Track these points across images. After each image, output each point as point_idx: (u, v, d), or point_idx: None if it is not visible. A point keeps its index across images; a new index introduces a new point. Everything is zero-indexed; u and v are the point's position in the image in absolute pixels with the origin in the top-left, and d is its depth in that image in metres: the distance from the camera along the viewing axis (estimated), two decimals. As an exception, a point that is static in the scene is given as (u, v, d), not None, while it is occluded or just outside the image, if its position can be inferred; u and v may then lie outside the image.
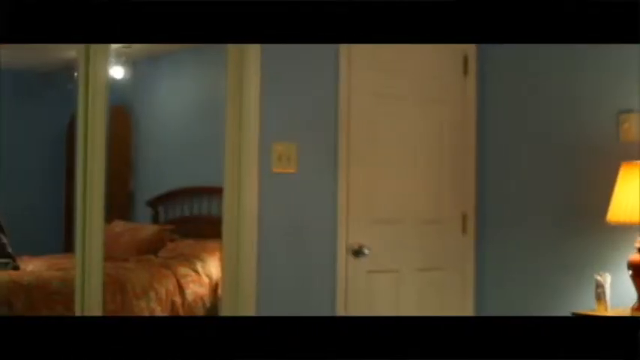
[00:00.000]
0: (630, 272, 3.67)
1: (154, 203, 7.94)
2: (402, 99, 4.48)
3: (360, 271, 4.31)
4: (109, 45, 4.09)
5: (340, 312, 4.23)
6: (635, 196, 3.61)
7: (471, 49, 4.68)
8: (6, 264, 6.43)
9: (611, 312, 3.75)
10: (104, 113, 3.87)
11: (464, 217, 4.66)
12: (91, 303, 3.78)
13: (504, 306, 4.53)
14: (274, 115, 4.12)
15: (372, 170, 4.38)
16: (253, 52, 4.04)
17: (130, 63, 7.83)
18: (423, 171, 4.55)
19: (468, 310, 4.62)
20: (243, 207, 4.06)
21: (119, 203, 7.91)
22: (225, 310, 4.08)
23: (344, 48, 4.26)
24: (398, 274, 4.46)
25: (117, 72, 7.76)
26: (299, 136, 4.18)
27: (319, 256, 4.23)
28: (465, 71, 4.68)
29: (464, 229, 4.65)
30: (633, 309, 3.65)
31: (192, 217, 7.54)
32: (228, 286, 4.08)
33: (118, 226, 7.28)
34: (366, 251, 4.29)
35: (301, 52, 4.12)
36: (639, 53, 3.95)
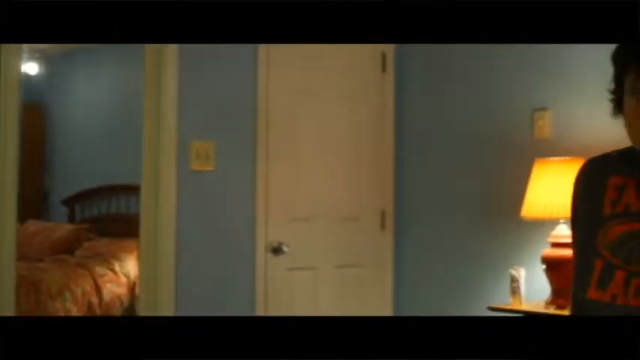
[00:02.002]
0: (544, 267, 3.74)
1: (70, 202, 7.80)
2: (320, 96, 4.49)
3: (280, 268, 4.31)
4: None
5: (260, 309, 4.22)
6: (548, 192, 3.68)
7: (389, 47, 4.70)
8: None
9: (525, 306, 3.82)
10: (16, 110, 3.78)
11: (382, 214, 4.69)
12: (3, 303, 3.69)
13: (422, 301, 4.58)
14: (192, 113, 4.09)
15: (291, 168, 4.37)
16: (171, 50, 4.00)
17: (45, 59, 7.67)
18: (341, 168, 4.56)
19: (386, 305, 4.66)
20: (161, 205, 4.02)
21: (33, 202, 7.74)
22: (143, 310, 4.04)
23: (263, 46, 4.25)
24: (317, 272, 4.47)
25: (31, 68, 7.60)
26: (217, 134, 4.16)
27: (238, 254, 4.21)
28: (383, 69, 4.71)
29: (382, 226, 4.68)
30: (547, 302, 3.72)
31: (109, 216, 7.43)
32: (146, 286, 4.03)
33: (32, 225, 7.13)
34: (286, 249, 4.29)
35: (220, 50, 4.09)
36: (554, 52, 4.03)
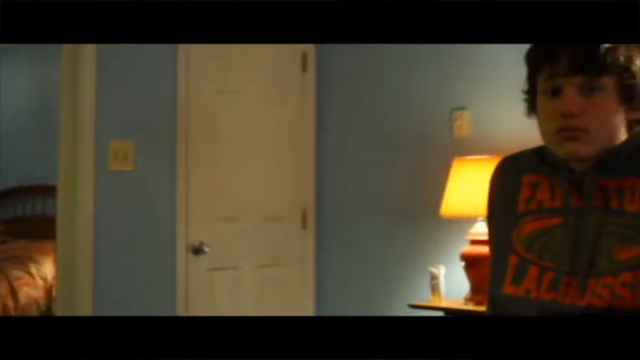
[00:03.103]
0: (463, 264, 3.79)
1: (-16, 203, 7.60)
2: (241, 96, 4.47)
3: (201, 268, 4.28)
4: None
5: (181, 310, 4.18)
6: (466, 191, 3.73)
7: (309, 46, 4.71)
8: None
9: (445, 303, 3.87)
10: None
11: (304, 213, 4.69)
12: None
13: (344, 300, 4.60)
14: (111, 113, 4.04)
15: (212, 167, 4.35)
16: (88, 50, 3.95)
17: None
18: (262, 168, 4.55)
19: (308, 304, 4.66)
20: (79, 206, 3.96)
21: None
22: (60, 313, 3.96)
23: (183, 45, 4.21)
24: (238, 271, 4.45)
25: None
26: (137, 134, 4.11)
27: (158, 255, 4.17)
28: (304, 68, 4.71)
29: (304, 225, 4.69)
30: (466, 299, 3.77)
31: (25, 217, 7.28)
32: (63, 288, 3.97)
33: (-55, 228, 6.94)
34: (207, 249, 4.26)
35: (140, 50, 4.04)
36: (472, 53, 4.09)
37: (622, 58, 1.63)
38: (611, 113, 1.65)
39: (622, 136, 1.68)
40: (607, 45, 1.63)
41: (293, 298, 4.62)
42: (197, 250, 4.25)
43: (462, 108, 4.18)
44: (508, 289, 1.72)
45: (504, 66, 3.91)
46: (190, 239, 4.25)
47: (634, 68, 1.64)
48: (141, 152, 4.12)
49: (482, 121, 4.09)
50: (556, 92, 1.66)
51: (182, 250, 4.22)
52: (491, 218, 1.86)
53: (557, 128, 1.65)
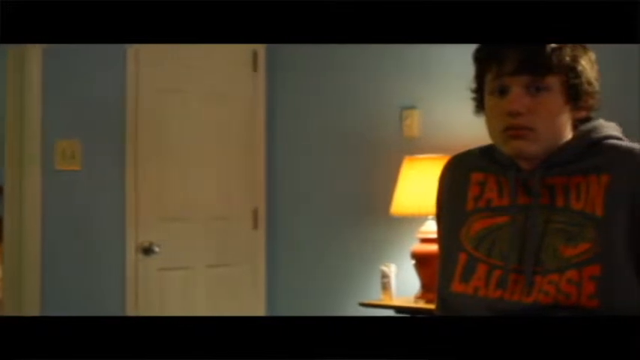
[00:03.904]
0: (413, 262, 3.81)
1: None
2: (191, 95, 4.44)
3: (151, 269, 4.25)
4: None
5: (130, 311, 4.15)
6: (417, 189, 3.75)
7: (260, 45, 4.69)
8: None
9: (396, 301, 3.89)
10: None
11: (254, 213, 4.68)
12: None
13: (295, 299, 4.60)
14: (58, 112, 3.99)
15: (162, 167, 4.31)
16: (34, 49, 3.91)
17: None
18: (213, 167, 4.52)
19: (259, 304, 4.65)
20: (26, 206, 3.91)
21: None
22: (8, 313, 3.90)
23: (132, 45, 4.17)
24: (189, 272, 4.42)
25: None
26: (84, 134, 4.07)
27: (107, 255, 4.13)
28: (255, 67, 4.70)
29: (255, 225, 4.68)
30: (416, 297, 3.80)
31: (-29, 218, 7.15)
32: (10, 289, 3.91)
33: None
34: (157, 249, 4.23)
35: (88, 49, 3.99)
36: (422, 52, 4.11)
37: (567, 58, 1.65)
38: (557, 112, 1.67)
39: (568, 134, 1.70)
40: (552, 45, 1.65)
41: (244, 298, 4.60)
42: (147, 251, 4.22)
43: (412, 107, 4.20)
44: (457, 287, 1.73)
45: (454, 65, 3.94)
46: (140, 239, 4.21)
47: (579, 68, 1.66)
48: (88, 152, 4.07)
49: (432, 120, 4.11)
50: (503, 91, 1.67)
51: (132, 250, 4.19)
52: (440, 217, 1.87)
53: (503, 127, 1.67)
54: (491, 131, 1.71)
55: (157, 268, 4.27)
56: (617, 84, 3.19)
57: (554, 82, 1.65)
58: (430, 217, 3.75)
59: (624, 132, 1.75)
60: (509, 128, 1.66)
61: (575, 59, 1.66)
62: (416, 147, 4.05)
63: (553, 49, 1.64)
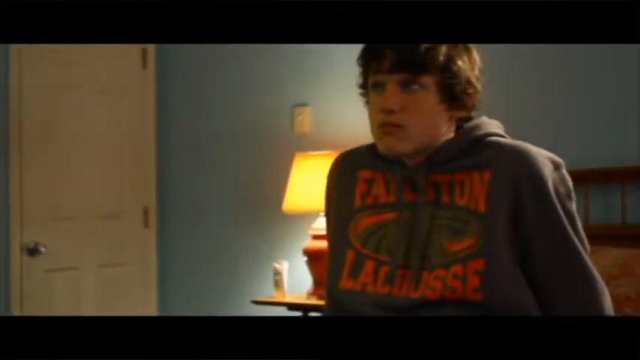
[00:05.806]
0: (305, 259, 3.82)
1: None
2: (78, 92, 4.34)
3: (37, 270, 4.14)
4: None
5: (15, 312, 4.04)
6: (308, 186, 3.76)
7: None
8: None
9: (288, 298, 3.89)
10: None
11: (145, 211, 4.61)
12: None
13: (187, 299, 4.55)
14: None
15: (48, 165, 4.21)
16: None
17: None
18: (102, 165, 4.44)
19: (151, 304, 4.59)
20: None
21: None
22: None
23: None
24: (78, 272, 4.33)
25: None
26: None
27: (-9, 257, 4.01)
28: (144, 65, 4.63)
29: (145, 224, 4.61)
30: (308, 294, 3.81)
31: None
32: None
33: None
34: (43, 249, 4.13)
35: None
36: (313, 51, 4.13)
37: (442, 58, 1.66)
38: (430, 111, 1.68)
39: (446, 133, 1.71)
40: (428, 45, 1.66)
41: (135, 298, 4.54)
42: (32, 251, 4.11)
43: (303, 104, 4.22)
44: (345, 283, 1.74)
45: (344, 63, 3.95)
46: (25, 240, 4.10)
47: (455, 68, 1.67)
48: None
49: (323, 117, 4.13)
50: (380, 88, 1.69)
51: (16, 251, 4.07)
52: (329, 213, 1.88)
53: (378, 123, 1.69)
54: (371, 127, 1.73)
55: (42, 269, 4.16)
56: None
57: (428, 81, 1.66)
58: (322, 213, 3.75)
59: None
60: (382, 125, 1.68)
61: (451, 59, 1.67)
62: (307, 143, 4.06)
63: (428, 49, 1.65)
